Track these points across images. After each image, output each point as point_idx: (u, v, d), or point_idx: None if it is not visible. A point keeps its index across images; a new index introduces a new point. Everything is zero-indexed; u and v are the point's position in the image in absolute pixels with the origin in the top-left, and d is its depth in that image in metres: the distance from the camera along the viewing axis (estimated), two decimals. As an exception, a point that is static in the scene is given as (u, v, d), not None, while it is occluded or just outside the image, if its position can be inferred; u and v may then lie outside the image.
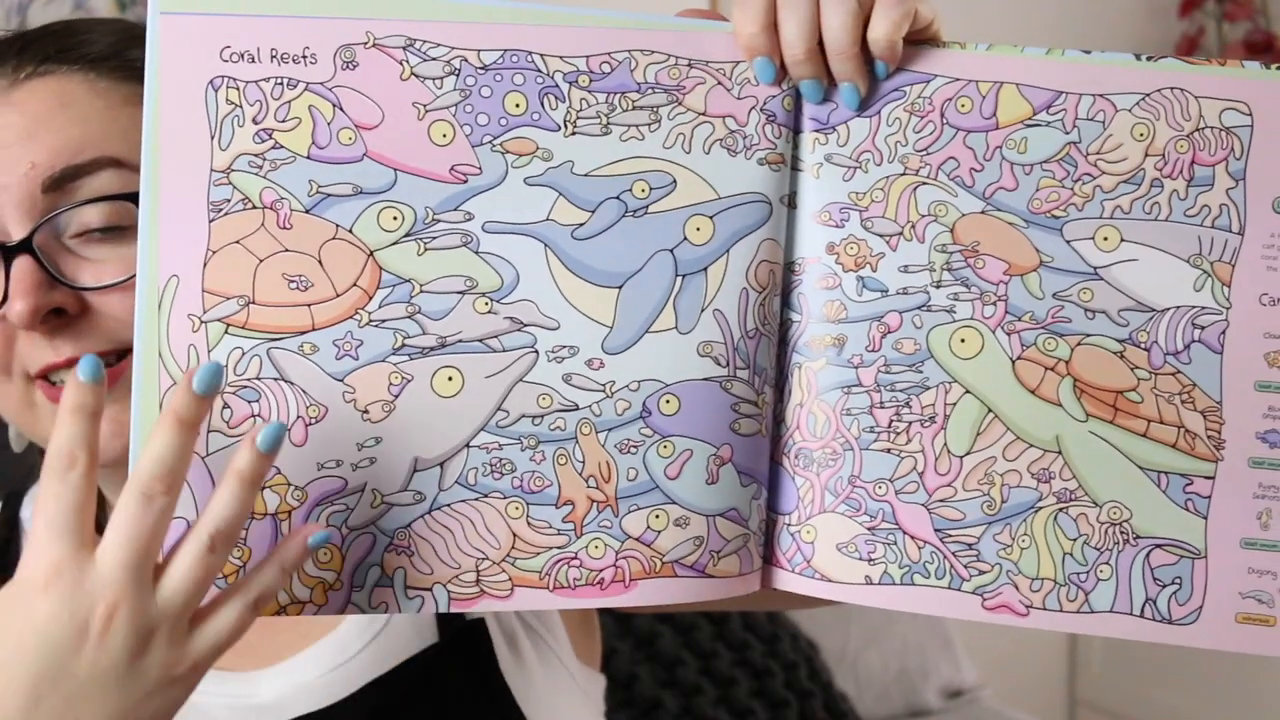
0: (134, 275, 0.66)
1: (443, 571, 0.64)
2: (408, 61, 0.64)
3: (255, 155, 0.63)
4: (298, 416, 0.63)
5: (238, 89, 0.63)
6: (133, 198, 0.70)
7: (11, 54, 0.74)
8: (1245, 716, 2.05)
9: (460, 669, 0.80)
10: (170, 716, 0.60)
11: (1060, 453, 0.66)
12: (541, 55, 0.65)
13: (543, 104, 0.65)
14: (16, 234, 0.70)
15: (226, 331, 0.63)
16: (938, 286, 0.67)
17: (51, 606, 0.57)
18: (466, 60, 0.64)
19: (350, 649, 0.79)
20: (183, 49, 0.63)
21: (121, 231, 0.72)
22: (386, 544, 0.64)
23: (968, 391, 0.67)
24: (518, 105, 0.65)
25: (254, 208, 0.63)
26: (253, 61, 0.63)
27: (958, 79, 0.66)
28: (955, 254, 0.67)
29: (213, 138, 0.63)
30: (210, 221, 0.63)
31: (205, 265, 0.63)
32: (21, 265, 0.69)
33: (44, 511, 0.58)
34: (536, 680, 0.83)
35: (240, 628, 0.60)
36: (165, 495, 0.58)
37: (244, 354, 0.63)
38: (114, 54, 0.75)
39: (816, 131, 0.68)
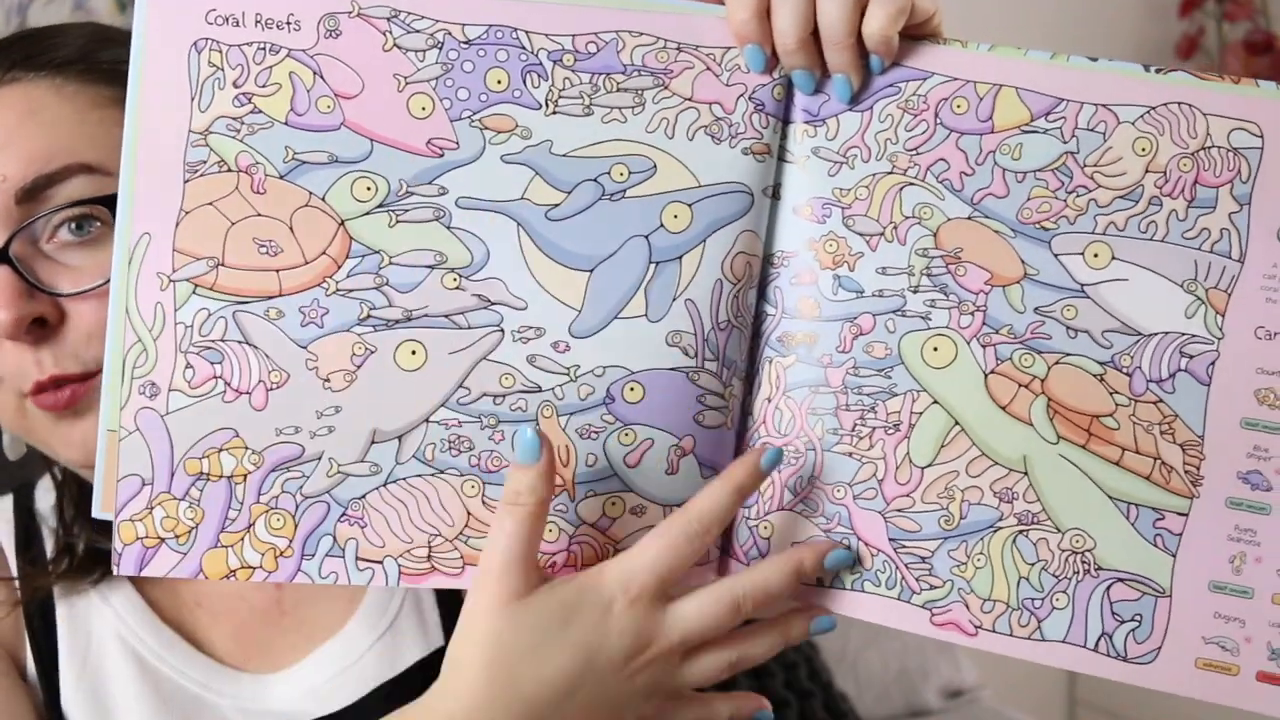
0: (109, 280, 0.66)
1: (394, 545, 0.64)
2: (391, 32, 0.63)
3: (233, 119, 0.63)
4: (259, 381, 0.63)
5: (220, 52, 0.63)
6: (104, 201, 0.70)
7: None
8: (1245, 717, 1.99)
9: None
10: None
11: (1026, 473, 0.63)
12: (527, 32, 0.64)
13: (525, 81, 0.64)
14: None
15: (194, 292, 0.63)
16: (915, 291, 0.65)
17: (622, 628, 0.61)
18: (450, 34, 0.63)
19: (357, 650, 0.79)
20: (169, 9, 0.62)
21: (97, 237, 0.71)
22: (340, 514, 0.63)
23: (936, 402, 0.64)
24: (499, 81, 0.64)
25: (229, 171, 0.63)
26: (237, 25, 0.63)
27: (955, 78, 0.64)
28: (936, 259, 0.64)
29: (193, 99, 0.63)
30: (185, 182, 0.63)
31: (177, 225, 0.63)
32: (4, 275, 0.69)
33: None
34: None
35: (724, 614, 0.63)
36: (702, 539, 0.62)
37: (210, 315, 0.63)
38: (81, 57, 0.74)
39: (806, 123, 0.66)
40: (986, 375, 0.64)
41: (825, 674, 1.91)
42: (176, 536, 0.63)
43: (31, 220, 0.70)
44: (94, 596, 0.80)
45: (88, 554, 0.79)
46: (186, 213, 0.63)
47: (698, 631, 0.62)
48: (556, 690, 0.60)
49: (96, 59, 0.74)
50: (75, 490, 0.81)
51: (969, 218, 0.64)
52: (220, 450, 0.63)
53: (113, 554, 0.63)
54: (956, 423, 0.64)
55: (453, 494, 0.64)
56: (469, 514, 0.64)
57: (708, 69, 0.65)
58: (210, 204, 0.63)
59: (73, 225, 0.71)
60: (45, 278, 0.70)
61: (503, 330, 0.64)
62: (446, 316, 0.63)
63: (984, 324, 0.64)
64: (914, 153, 0.65)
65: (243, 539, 0.63)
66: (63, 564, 0.79)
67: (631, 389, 0.64)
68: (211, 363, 0.63)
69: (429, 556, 0.64)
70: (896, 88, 0.65)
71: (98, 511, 0.65)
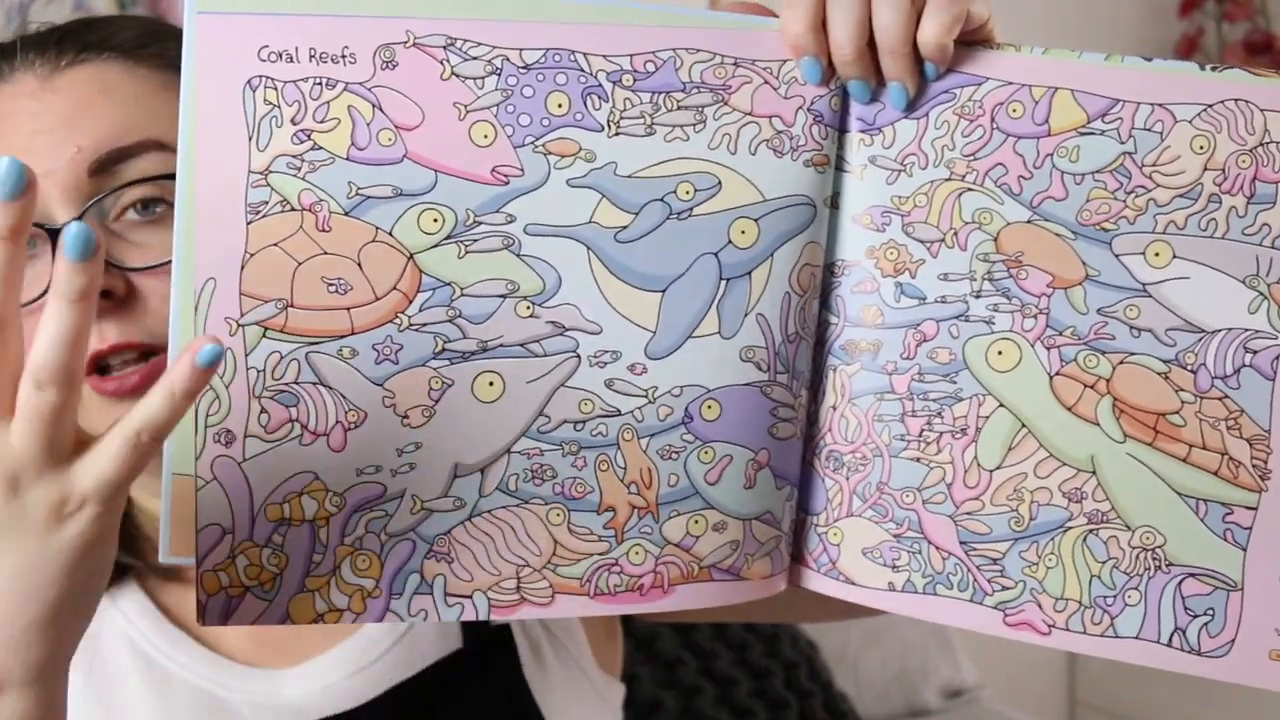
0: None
1: (483, 578, 0.63)
2: (448, 61, 0.61)
3: (294, 156, 0.61)
4: (336, 422, 0.62)
5: (276, 89, 0.61)
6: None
7: (50, 44, 0.73)
8: (1245, 717, 2.05)
9: (485, 674, 0.79)
10: (86, 568, 0.55)
11: (1094, 473, 0.64)
12: (585, 54, 0.62)
13: (586, 104, 0.62)
14: (63, 217, 0.69)
15: (264, 335, 0.61)
16: (977, 296, 0.65)
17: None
18: (508, 60, 0.62)
19: (375, 651, 0.78)
20: (220, 48, 0.60)
21: (162, 217, 0.71)
22: (426, 550, 0.62)
23: (1002, 405, 0.64)
24: (560, 105, 0.62)
25: (292, 210, 0.61)
26: (291, 61, 0.61)
27: (1010, 83, 0.64)
28: (997, 264, 0.64)
29: (250, 138, 0.61)
30: (248, 224, 0.61)
31: (243, 268, 0.61)
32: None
33: None
34: (558, 687, 0.82)
35: (129, 458, 0.54)
36: (149, 447, 0.54)
37: (282, 358, 0.61)
38: (148, 43, 0.74)
39: (862, 132, 0.65)
40: (1051, 377, 0.64)
41: (825, 674, 1.93)
42: (261, 584, 0.62)
43: (104, 194, 0.69)
44: (103, 600, 0.78)
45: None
46: (251, 255, 0.61)
47: (111, 479, 0.54)
48: None
49: (163, 46, 0.74)
50: None
51: (1029, 221, 0.64)
52: (301, 494, 0.62)
53: (197, 605, 0.62)
54: (1023, 425, 0.64)
55: (538, 523, 0.63)
56: (556, 542, 0.63)
57: (766, 82, 0.64)
58: (275, 245, 0.61)
59: (139, 206, 0.70)
60: (114, 253, 0.69)
61: (579, 356, 0.63)
62: (522, 345, 0.62)
63: (1047, 326, 0.64)
64: (971, 158, 0.64)
65: (329, 582, 0.62)
66: None
67: (709, 407, 0.64)
68: (286, 406, 0.61)
69: (518, 587, 0.63)
70: (952, 94, 0.64)
71: (165, 557, 0.63)
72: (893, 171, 0.65)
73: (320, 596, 0.62)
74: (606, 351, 0.63)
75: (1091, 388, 0.64)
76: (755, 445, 0.65)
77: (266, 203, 0.61)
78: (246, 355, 0.61)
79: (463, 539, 0.62)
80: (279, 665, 0.78)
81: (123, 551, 0.73)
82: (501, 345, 0.62)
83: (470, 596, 0.63)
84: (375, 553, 0.62)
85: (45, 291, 0.69)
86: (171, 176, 0.68)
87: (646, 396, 0.63)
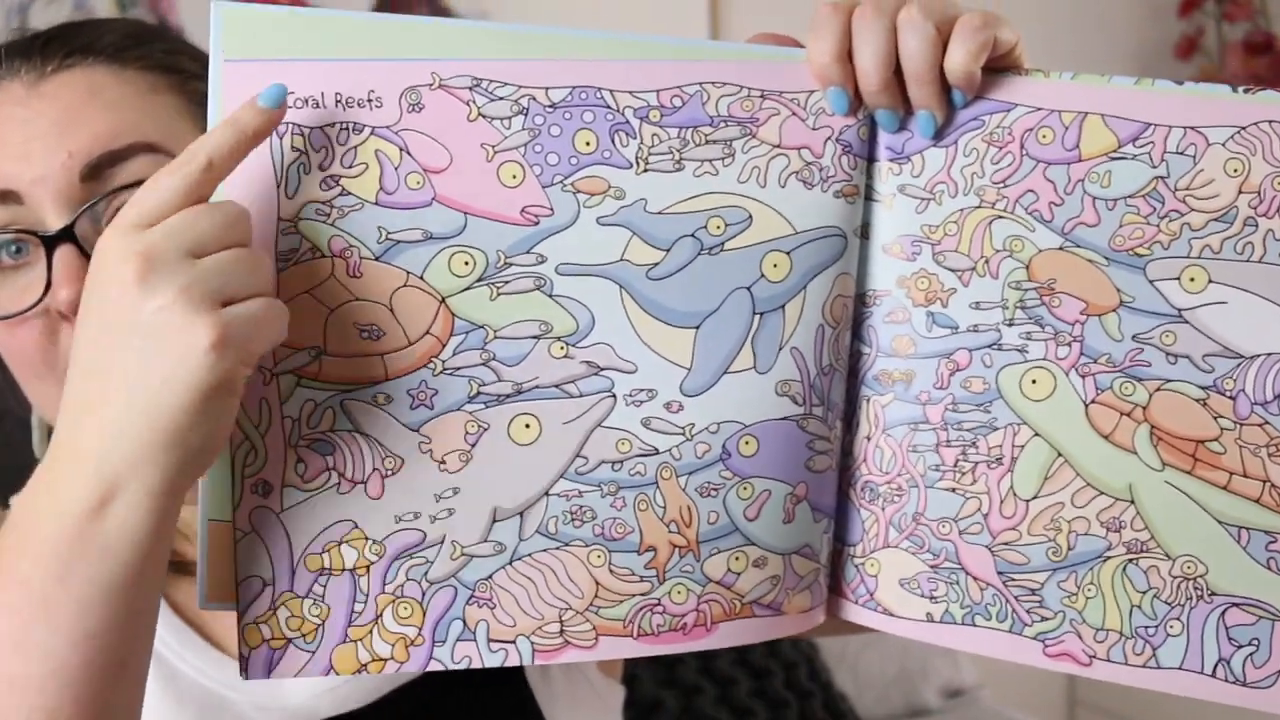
0: None
1: (526, 623, 0.61)
2: (474, 102, 0.60)
3: (323, 203, 0.60)
4: (373, 469, 0.60)
5: (302, 135, 0.59)
6: None
7: (35, 50, 0.72)
8: (1245, 717, 2.05)
9: (487, 676, 0.78)
10: (213, 409, 0.54)
11: (1133, 502, 0.62)
12: (611, 91, 0.61)
13: (613, 141, 0.61)
14: (55, 224, 0.69)
15: (299, 383, 0.60)
16: (1010, 325, 0.63)
17: (100, 271, 0.54)
18: (534, 99, 0.61)
19: None
20: (245, 96, 0.59)
21: None
22: (468, 597, 0.61)
23: (1037, 434, 0.63)
24: (588, 143, 0.61)
25: (323, 256, 0.60)
26: (317, 106, 0.59)
27: (1039, 108, 0.63)
28: (1030, 291, 0.63)
29: (279, 186, 0.59)
30: (280, 271, 0.59)
31: (271, 264, 0.59)
32: (64, 254, 0.68)
33: (138, 194, 0.55)
34: (560, 690, 0.81)
35: (193, 177, 0.55)
36: (204, 169, 0.55)
37: (317, 406, 0.60)
38: (135, 44, 0.73)
39: (891, 161, 0.64)
40: (1087, 405, 0.63)
41: (825, 674, 1.92)
42: (303, 635, 0.60)
43: (96, 200, 0.69)
44: None
45: None
46: (286, 303, 0.59)
47: (157, 207, 0.55)
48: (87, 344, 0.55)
49: (149, 48, 0.74)
50: None
51: (1061, 248, 0.63)
52: (340, 543, 0.60)
53: (239, 659, 0.60)
54: (1059, 454, 0.63)
55: (579, 565, 0.62)
56: (597, 584, 0.62)
57: (793, 114, 0.63)
58: (307, 292, 0.60)
59: None
60: None
61: (615, 395, 0.62)
62: (557, 386, 0.61)
63: (1082, 354, 0.63)
64: (1001, 185, 0.63)
65: (371, 631, 0.61)
66: None
67: (746, 442, 0.63)
68: (323, 455, 0.60)
69: (561, 631, 0.62)
70: (980, 121, 0.63)
71: (202, 604, 0.61)
72: (922, 200, 0.64)
73: (363, 646, 0.61)
74: (642, 390, 0.62)
75: (1128, 415, 0.63)
76: (793, 479, 0.64)
77: (297, 250, 0.60)
78: (281, 404, 0.60)
79: (504, 584, 0.61)
80: None
81: None
82: (537, 387, 0.61)
83: (513, 641, 0.61)
84: (417, 600, 0.61)
85: (40, 300, 0.68)
86: None
87: (684, 434, 0.62)
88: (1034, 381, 0.63)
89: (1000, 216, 0.63)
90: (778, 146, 0.63)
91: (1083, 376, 0.63)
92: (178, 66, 0.75)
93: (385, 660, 0.61)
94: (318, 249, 0.60)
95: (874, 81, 0.62)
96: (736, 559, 0.63)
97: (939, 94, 0.62)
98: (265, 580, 0.60)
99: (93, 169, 0.69)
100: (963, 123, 0.63)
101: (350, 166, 0.60)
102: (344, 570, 0.60)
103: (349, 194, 0.60)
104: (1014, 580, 0.63)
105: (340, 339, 0.60)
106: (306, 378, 0.60)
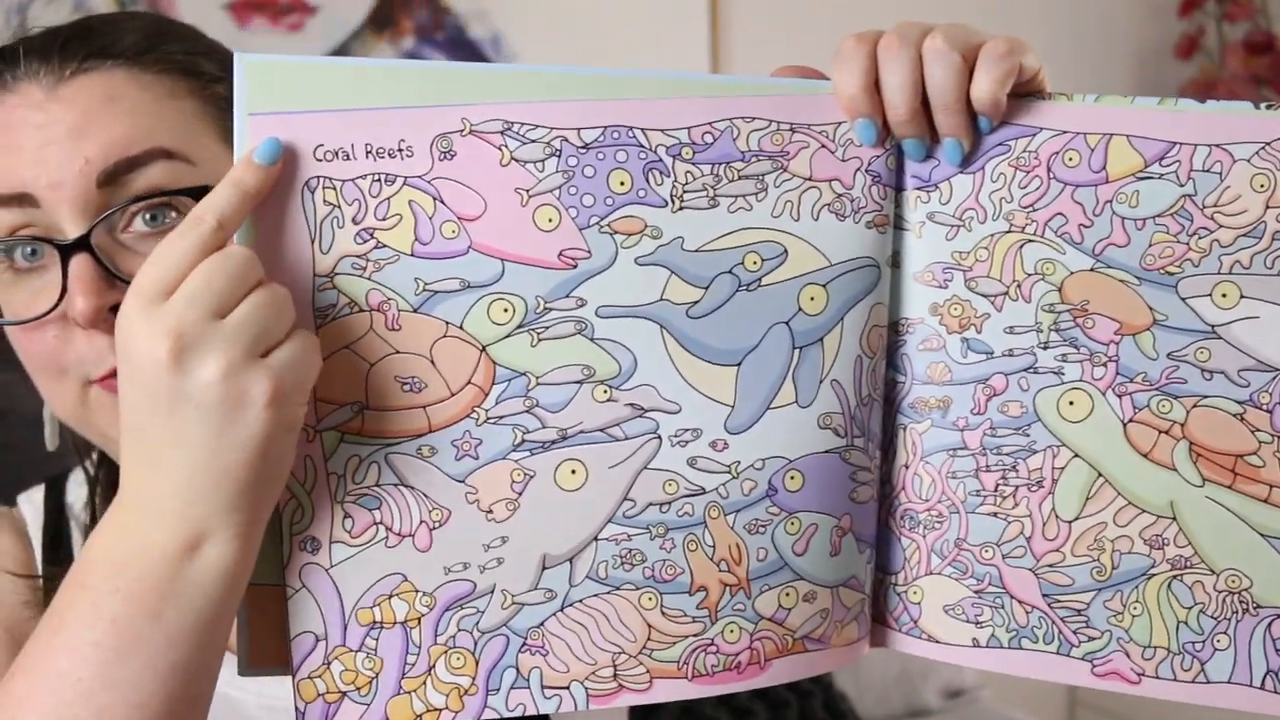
0: None
1: (579, 669, 0.61)
2: (506, 146, 0.59)
3: (358, 256, 0.58)
4: (420, 521, 0.59)
5: (335, 189, 0.58)
6: (189, 193, 0.68)
7: (53, 52, 0.71)
8: (1244, 716, 2.05)
9: None
10: (272, 457, 0.55)
11: (1175, 519, 0.62)
12: (643, 130, 0.60)
13: (648, 180, 0.61)
14: (72, 231, 0.68)
15: (342, 439, 0.59)
16: (1045, 348, 0.63)
17: (133, 350, 0.55)
18: (567, 140, 0.60)
19: None
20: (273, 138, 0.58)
21: (176, 223, 0.67)
22: (520, 645, 0.60)
23: (1076, 455, 0.63)
24: (623, 183, 0.60)
25: (361, 311, 0.59)
26: (348, 159, 0.58)
27: (1065, 131, 0.62)
28: (1063, 314, 0.63)
29: (313, 241, 0.58)
30: (318, 328, 0.58)
31: (290, 299, 0.58)
32: (80, 263, 0.67)
33: (147, 265, 0.55)
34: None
35: (197, 242, 0.55)
36: (214, 230, 0.55)
37: (361, 461, 0.59)
38: (151, 47, 0.72)
39: (919, 189, 0.64)
40: (1125, 424, 0.63)
41: (825, 674, 1.91)
42: (358, 689, 0.59)
43: (113, 210, 0.68)
44: None
45: None
46: (325, 359, 0.58)
47: (168, 274, 0.55)
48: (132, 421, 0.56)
49: (167, 50, 0.72)
50: (109, 491, 0.79)
51: (1092, 269, 0.63)
52: (390, 596, 0.59)
53: (296, 713, 0.59)
54: (1100, 474, 0.63)
55: (631, 609, 0.61)
56: (650, 626, 0.61)
57: (823, 146, 0.62)
58: (347, 347, 0.58)
59: (148, 216, 0.69)
60: (124, 267, 0.68)
61: (660, 437, 0.61)
62: (602, 430, 0.60)
63: (1118, 374, 0.63)
64: (1030, 209, 0.63)
65: (424, 682, 0.60)
66: None
67: (792, 477, 0.62)
68: (369, 509, 0.59)
69: (614, 675, 0.61)
70: (1006, 146, 0.63)
71: (244, 670, 0.61)
72: (952, 227, 0.64)
73: (417, 697, 0.60)
74: (687, 430, 0.61)
75: (1166, 433, 0.63)
76: (838, 511, 0.63)
77: (335, 305, 0.58)
78: (326, 460, 0.59)
79: (556, 630, 0.60)
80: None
81: None
82: (581, 432, 0.60)
83: (567, 688, 0.61)
84: (469, 650, 0.60)
85: (55, 306, 0.68)
86: (182, 192, 0.69)
87: (730, 472, 0.61)
88: (1071, 403, 0.63)
89: (1030, 240, 0.63)
90: (809, 179, 0.62)
91: (1120, 396, 0.63)
92: (197, 69, 0.74)
93: (440, 710, 0.60)
94: (355, 304, 0.58)
95: (902, 112, 0.61)
96: (787, 594, 0.62)
97: (966, 122, 0.62)
98: (318, 635, 0.59)
99: (109, 175, 0.68)
100: (989, 148, 0.63)
101: (384, 219, 0.59)
102: (395, 623, 0.59)
103: (384, 246, 0.59)
104: (1059, 601, 0.63)
105: (381, 393, 0.59)
106: (350, 433, 0.59)
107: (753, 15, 2.13)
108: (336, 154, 0.58)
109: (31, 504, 0.83)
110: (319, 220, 0.58)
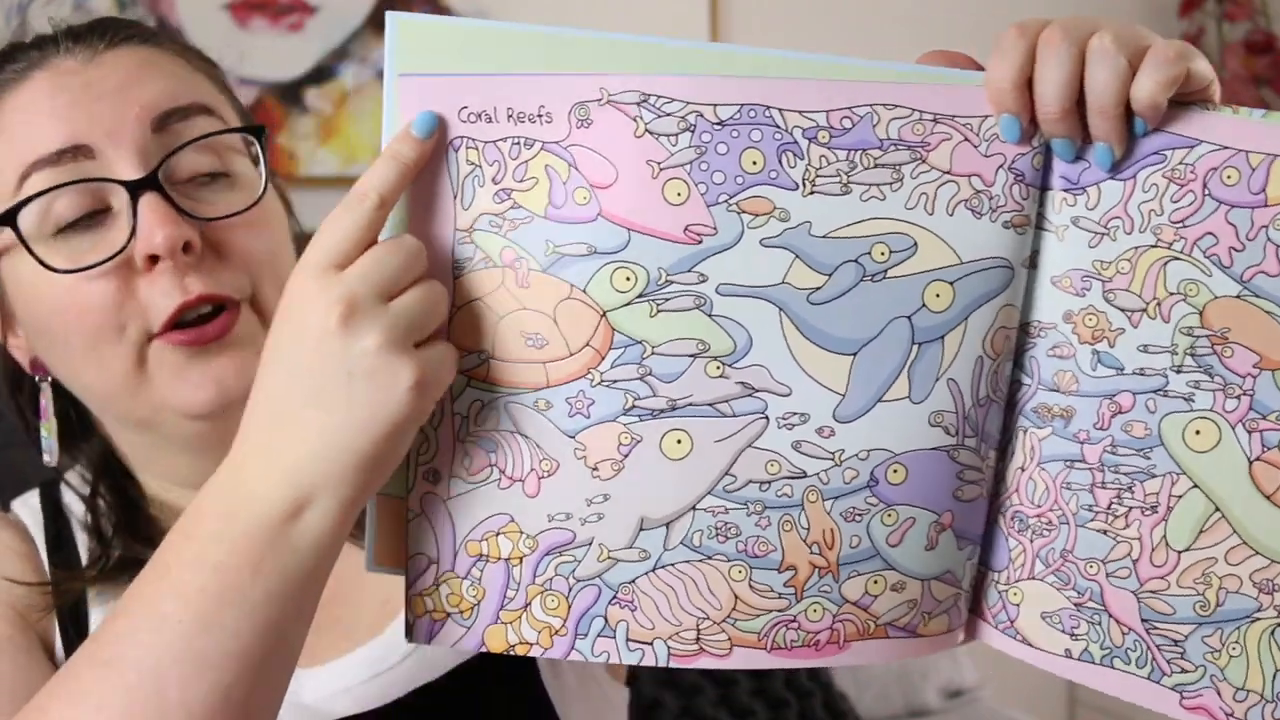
0: (252, 205, 0.74)
1: (664, 628, 0.63)
2: (641, 118, 0.60)
3: (495, 215, 0.61)
4: (531, 469, 0.63)
5: (477, 149, 0.61)
6: (249, 130, 0.76)
7: (84, 34, 0.77)
8: None
9: (505, 680, 0.79)
10: (401, 441, 0.59)
11: None
12: (780, 110, 0.60)
13: (781, 161, 0.61)
14: (131, 174, 0.72)
15: (468, 384, 0.62)
16: (1178, 371, 0.61)
17: (303, 311, 0.58)
18: (702, 116, 0.60)
19: (395, 655, 0.78)
20: (419, 110, 0.60)
21: (225, 177, 0.75)
22: (610, 597, 0.63)
23: (1196, 486, 0.61)
24: (755, 162, 0.61)
25: (495, 266, 0.61)
26: (490, 121, 0.61)
27: (1226, 147, 0.59)
28: (1201, 339, 0.60)
29: (455, 197, 0.61)
30: (455, 279, 0.61)
31: (450, 320, 0.62)
32: (151, 200, 0.71)
33: (319, 236, 0.59)
34: (572, 693, 0.82)
35: (367, 216, 0.58)
36: (377, 206, 0.58)
37: (483, 406, 0.62)
38: (164, 40, 0.79)
39: (1065, 191, 0.62)
40: (1251, 462, 0.60)
41: (825, 674, 1.89)
42: (460, 612, 0.64)
43: (180, 146, 0.73)
44: None
45: (122, 558, 0.79)
46: (458, 308, 0.61)
47: (350, 229, 0.58)
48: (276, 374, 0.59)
49: (175, 42, 0.79)
50: (113, 498, 0.81)
51: (1238, 296, 0.60)
52: (497, 534, 0.63)
53: (405, 624, 0.64)
54: (1217, 509, 0.61)
55: (720, 579, 0.63)
56: (736, 598, 0.63)
57: (965, 139, 0.61)
58: (479, 299, 0.61)
59: (204, 179, 0.74)
60: (186, 207, 0.73)
61: (767, 417, 0.62)
62: (711, 405, 0.62)
63: (1251, 408, 0.60)
64: (1180, 225, 0.61)
65: (520, 617, 0.63)
66: (97, 568, 0.78)
67: (895, 471, 0.63)
68: (487, 451, 0.63)
69: (697, 639, 0.63)
70: (1162, 155, 0.60)
71: (370, 566, 0.65)
72: (1096, 234, 0.62)
73: (512, 629, 0.64)
74: (795, 414, 0.62)
75: None
76: (939, 508, 0.63)
77: (471, 259, 0.61)
78: (453, 401, 0.62)
79: (646, 589, 0.63)
80: (298, 665, 0.77)
81: (146, 547, 0.76)
82: (691, 404, 0.62)
83: (651, 644, 0.63)
84: (564, 594, 0.63)
85: (124, 247, 0.71)
86: (235, 130, 0.74)
87: (833, 459, 0.62)
88: (1198, 432, 0.61)
89: (1176, 258, 0.61)
90: (948, 173, 0.61)
91: (1250, 432, 0.60)
92: (200, 55, 0.81)
93: (532, 644, 0.63)
94: (490, 259, 0.61)
95: (1053, 110, 0.59)
96: (875, 582, 0.63)
97: (1122, 128, 0.60)
98: (430, 559, 0.63)
99: (161, 121, 0.73)
100: (1143, 156, 0.61)
101: (521, 180, 0.61)
102: (499, 559, 0.63)
103: (520, 207, 0.61)
104: (1157, 629, 0.62)
105: (506, 345, 0.62)
106: (475, 379, 0.62)
107: (753, 17, 2.19)
108: (480, 116, 0.60)
109: (28, 507, 0.84)
110: (461, 178, 0.61)
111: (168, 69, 0.77)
